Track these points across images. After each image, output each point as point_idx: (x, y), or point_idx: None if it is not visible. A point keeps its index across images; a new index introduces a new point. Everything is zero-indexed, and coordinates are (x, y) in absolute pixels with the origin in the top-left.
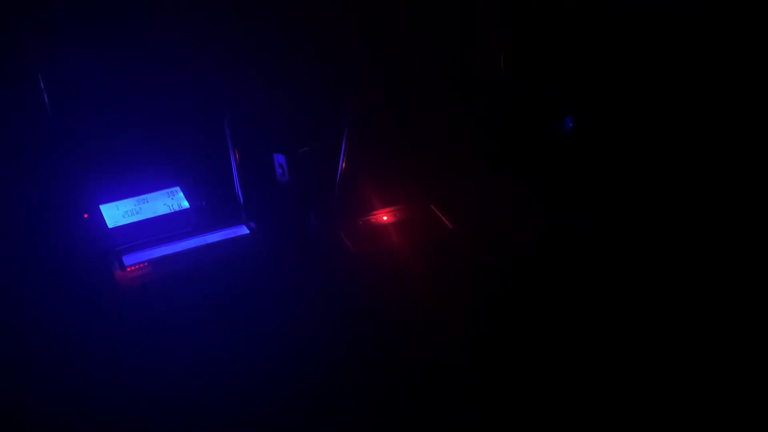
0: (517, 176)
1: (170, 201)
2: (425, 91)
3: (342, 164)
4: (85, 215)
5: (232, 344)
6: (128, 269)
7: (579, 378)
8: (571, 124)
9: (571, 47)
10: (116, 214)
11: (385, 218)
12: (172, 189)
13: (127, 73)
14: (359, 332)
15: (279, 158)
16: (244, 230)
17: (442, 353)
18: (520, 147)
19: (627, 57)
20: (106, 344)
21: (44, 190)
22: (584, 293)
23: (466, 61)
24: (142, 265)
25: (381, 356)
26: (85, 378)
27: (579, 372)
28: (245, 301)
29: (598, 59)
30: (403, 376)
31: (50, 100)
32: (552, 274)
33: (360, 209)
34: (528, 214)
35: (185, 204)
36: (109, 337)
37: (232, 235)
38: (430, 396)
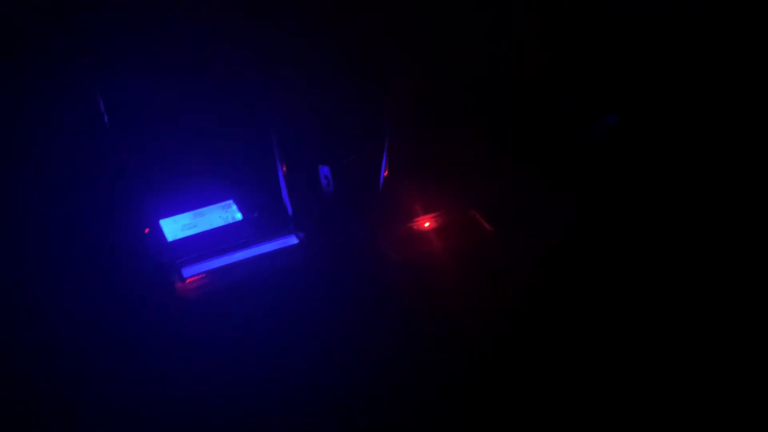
0: (544, 176)
1: (224, 214)
2: (460, 93)
3: (384, 173)
4: (147, 230)
5: (286, 348)
6: (188, 281)
7: (586, 378)
8: (611, 123)
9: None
10: (175, 228)
11: (427, 224)
12: (226, 202)
13: (179, 92)
14: (405, 336)
15: (324, 170)
16: (294, 240)
17: (485, 354)
18: (551, 148)
19: (628, 57)
20: (169, 352)
21: (107, 208)
22: (601, 291)
23: (498, 63)
24: (200, 276)
25: (426, 359)
26: (148, 383)
27: (589, 372)
28: (296, 307)
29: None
30: (449, 378)
31: (110, 121)
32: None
33: (403, 216)
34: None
35: (238, 216)
36: (172, 346)
37: (283, 245)
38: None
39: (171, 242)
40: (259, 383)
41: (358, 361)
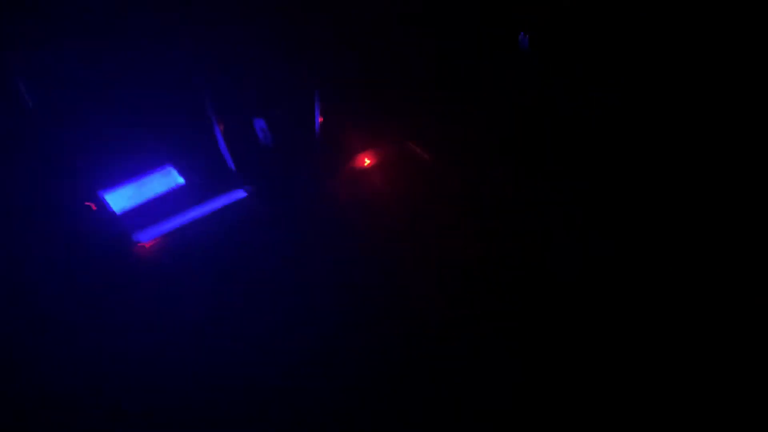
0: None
1: (166, 179)
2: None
3: (319, 119)
4: (93, 206)
5: (245, 296)
6: (146, 245)
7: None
8: (526, 41)
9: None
10: (120, 199)
11: (367, 161)
12: (165, 169)
13: (102, 62)
14: (356, 280)
15: (259, 122)
16: (242, 193)
17: (436, 297)
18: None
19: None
20: (133, 315)
21: (48, 188)
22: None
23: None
24: (157, 240)
25: (381, 305)
26: (116, 342)
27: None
28: (252, 256)
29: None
30: (403, 328)
31: (35, 103)
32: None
33: (344, 156)
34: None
35: (180, 180)
36: (136, 309)
37: (232, 200)
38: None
39: (120, 214)
40: (231, 336)
41: (319, 303)
